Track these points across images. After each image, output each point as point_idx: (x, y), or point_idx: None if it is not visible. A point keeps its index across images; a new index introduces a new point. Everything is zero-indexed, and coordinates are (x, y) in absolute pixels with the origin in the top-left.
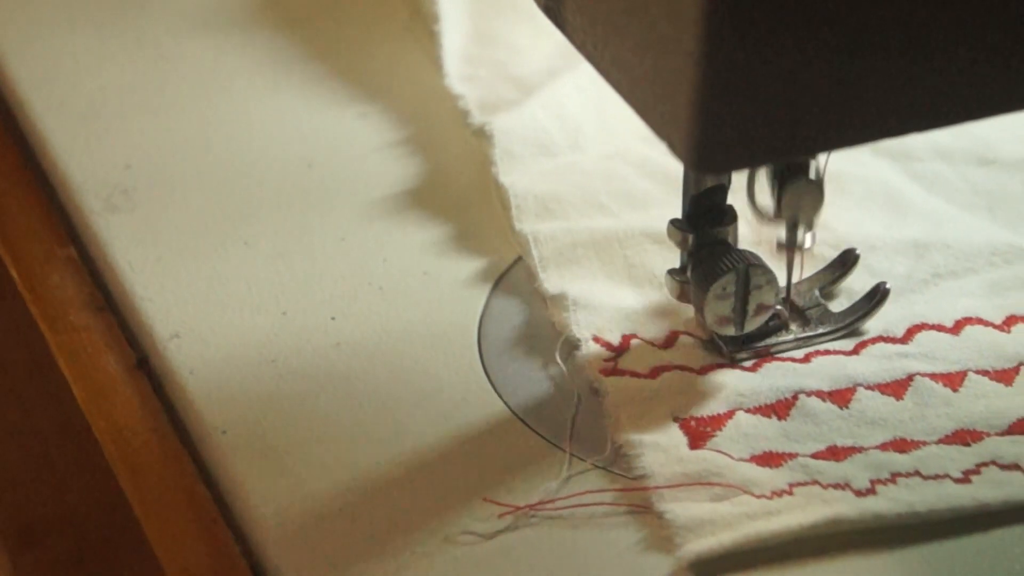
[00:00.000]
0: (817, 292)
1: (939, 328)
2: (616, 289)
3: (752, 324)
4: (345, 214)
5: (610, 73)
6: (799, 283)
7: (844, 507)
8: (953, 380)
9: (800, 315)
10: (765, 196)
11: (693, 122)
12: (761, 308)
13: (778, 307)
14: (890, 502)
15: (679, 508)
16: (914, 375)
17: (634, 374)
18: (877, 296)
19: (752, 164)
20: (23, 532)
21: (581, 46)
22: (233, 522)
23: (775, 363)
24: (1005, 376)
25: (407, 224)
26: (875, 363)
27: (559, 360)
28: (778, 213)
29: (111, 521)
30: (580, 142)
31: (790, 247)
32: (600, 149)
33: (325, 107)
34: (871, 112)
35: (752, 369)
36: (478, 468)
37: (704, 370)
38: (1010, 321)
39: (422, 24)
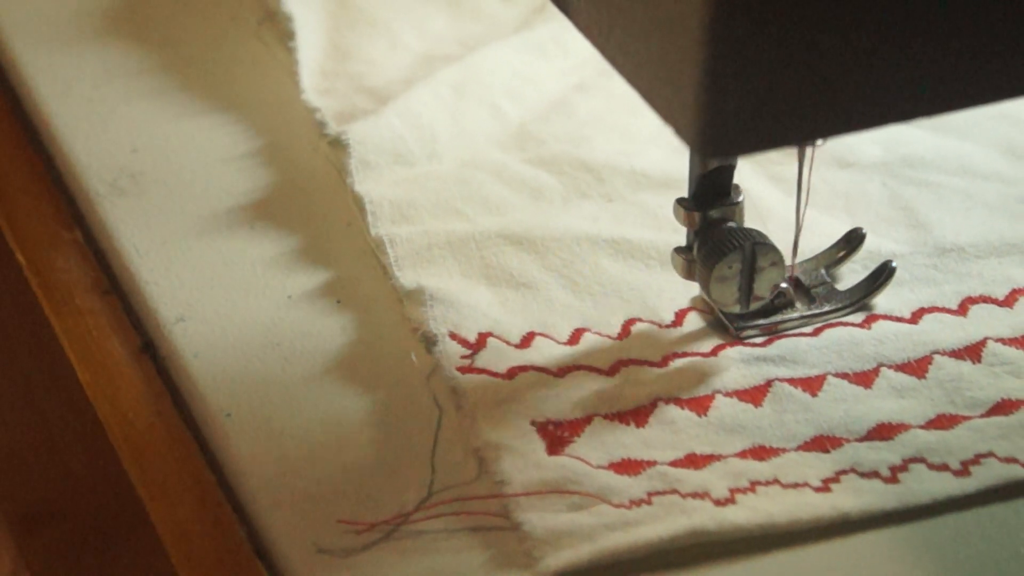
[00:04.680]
0: (823, 270)
1: (798, 332)
2: (472, 288)
3: (756, 304)
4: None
5: (615, 58)
6: (805, 262)
7: (703, 518)
8: (812, 385)
9: (806, 293)
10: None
11: (699, 106)
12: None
13: (783, 285)
14: (749, 512)
15: (536, 518)
16: (772, 381)
17: (491, 373)
18: (883, 275)
19: (759, 149)
20: (28, 516)
21: (587, 31)
22: (237, 505)
23: (633, 367)
24: (864, 379)
25: None
26: (733, 369)
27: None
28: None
29: (116, 504)
30: (437, 150)
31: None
32: (457, 157)
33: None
34: (878, 97)
35: (609, 374)
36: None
37: (561, 372)
38: (870, 319)
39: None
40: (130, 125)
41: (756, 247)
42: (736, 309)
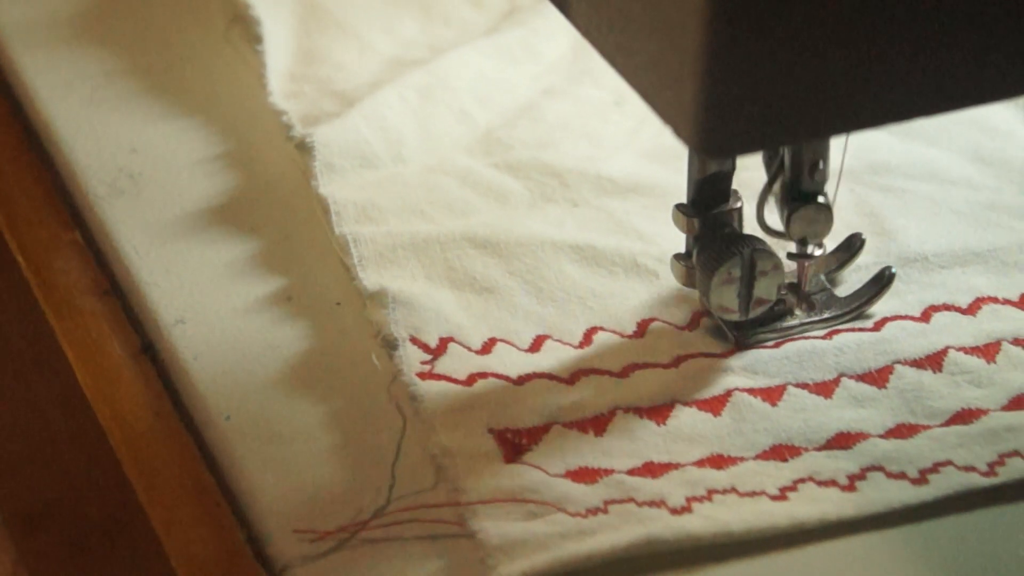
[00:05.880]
0: (823, 277)
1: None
2: (436, 291)
3: (756, 311)
4: None
5: (615, 59)
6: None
7: (658, 527)
8: (772, 395)
9: (806, 300)
10: (774, 216)
11: (699, 106)
12: (760, 302)
13: (783, 293)
14: (704, 520)
15: (492, 527)
16: (732, 390)
17: (450, 379)
18: (883, 281)
19: (758, 148)
20: (27, 517)
21: (586, 32)
22: (236, 507)
23: (594, 376)
24: (824, 388)
25: None
26: (694, 379)
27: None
28: (787, 235)
29: (115, 507)
30: (403, 154)
31: (800, 258)
32: (422, 160)
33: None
34: (877, 96)
35: (569, 382)
36: None
37: (521, 380)
38: (831, 331)
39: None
40: (130, 126)
41: (756, 253)
42: (735, 317)
